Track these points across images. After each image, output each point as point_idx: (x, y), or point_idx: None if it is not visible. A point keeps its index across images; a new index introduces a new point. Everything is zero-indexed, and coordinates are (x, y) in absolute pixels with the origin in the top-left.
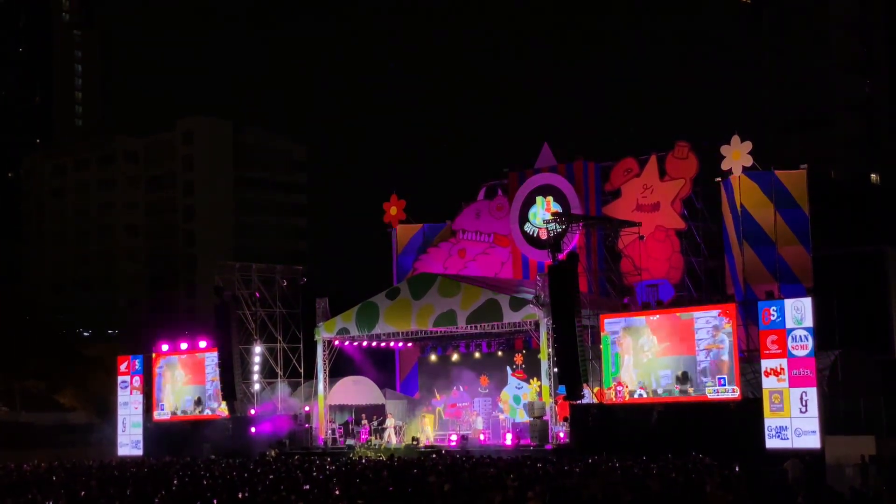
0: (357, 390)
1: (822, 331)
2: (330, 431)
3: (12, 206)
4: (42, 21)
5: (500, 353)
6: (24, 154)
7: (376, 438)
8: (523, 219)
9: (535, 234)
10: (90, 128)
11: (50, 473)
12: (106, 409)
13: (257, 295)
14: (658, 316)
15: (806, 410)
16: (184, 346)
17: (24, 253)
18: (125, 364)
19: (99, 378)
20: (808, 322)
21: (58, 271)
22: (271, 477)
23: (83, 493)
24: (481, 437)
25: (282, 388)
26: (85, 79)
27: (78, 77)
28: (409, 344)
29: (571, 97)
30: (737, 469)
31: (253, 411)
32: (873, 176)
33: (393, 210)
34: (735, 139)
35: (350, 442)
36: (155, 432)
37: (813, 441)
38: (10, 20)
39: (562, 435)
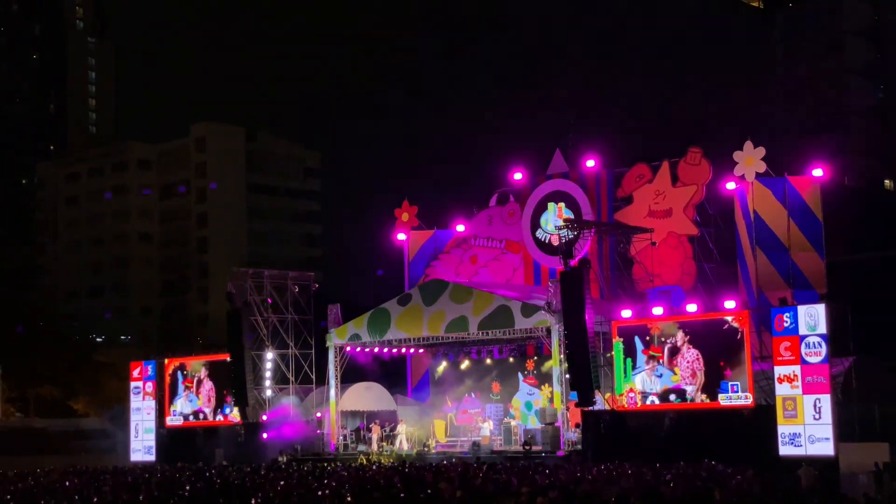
0: (369, 396)
1: (835, 337)
2: (342, 437)
3: (26, 213)
4: (56, 29)
5: (511, 360)
6: (37, 161)
7: (388, 444)
8: (535, 225)
9: (546, 241)
10: (104, 135)
11: (63, 479)
12: (119, 415)
13: (269, 301)
14: None
15: (819, 417)
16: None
17: (37, 260)
18: (138, 370)
19: (112, 384)
20: (822, 329)
21: (71, 278)
22: (282, 483)
23: (96, 499)
24: (493, 443)
25: (293, 394)
26: (98, 86)
27: (91, 84)
28: (421, 350)
29: (584, 103)
30: (749, 474)
31: (265, 417)
32: (887, 182)
33: (405, 216)
34: (748, 145)
35: (362, 448)
36: (167, 438)
37: (827, 448)
38: (24, 28)
39: (574, 441)
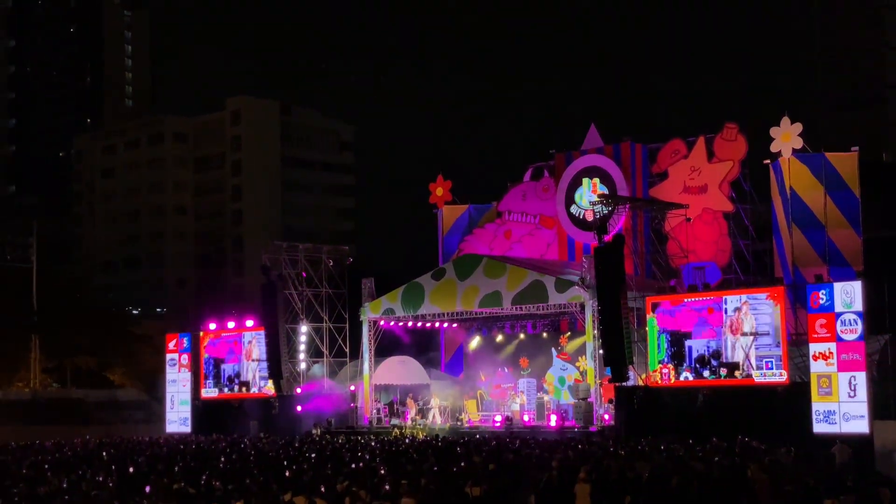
0: (402, 370)
1: (871, 315)
2: (375, 411)
3: (63, 185)
4: (92, 2)
5: (545, 335)
6: (74, 134)
7: (421, 418)
8: (569, 200)
9: (581, 216)
10: (140, 108)
11: (100, 450)
12: (155, 387)
13: (304, 274)
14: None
15: (855, 395)
16: (231, 324)
17: (74, 232)
18: (174, 342)
19: (148, 355)
20: (858, 306)
21: (108, 250)
22: (313, 456)
23: (132, 469)
24: (525, 418)
25: (327, 367)
26: (135, 59)
27: (128, 57)
28: (455, 325)
29: (619, 78)
30: (784, 451)
31: (299, 390)
32: None
33: (439, 191)
34: (785, 120)
35: (395, 421)
36: (203, 410)
37: (862, 426)
38: (61, 1)
39: (606, 417)
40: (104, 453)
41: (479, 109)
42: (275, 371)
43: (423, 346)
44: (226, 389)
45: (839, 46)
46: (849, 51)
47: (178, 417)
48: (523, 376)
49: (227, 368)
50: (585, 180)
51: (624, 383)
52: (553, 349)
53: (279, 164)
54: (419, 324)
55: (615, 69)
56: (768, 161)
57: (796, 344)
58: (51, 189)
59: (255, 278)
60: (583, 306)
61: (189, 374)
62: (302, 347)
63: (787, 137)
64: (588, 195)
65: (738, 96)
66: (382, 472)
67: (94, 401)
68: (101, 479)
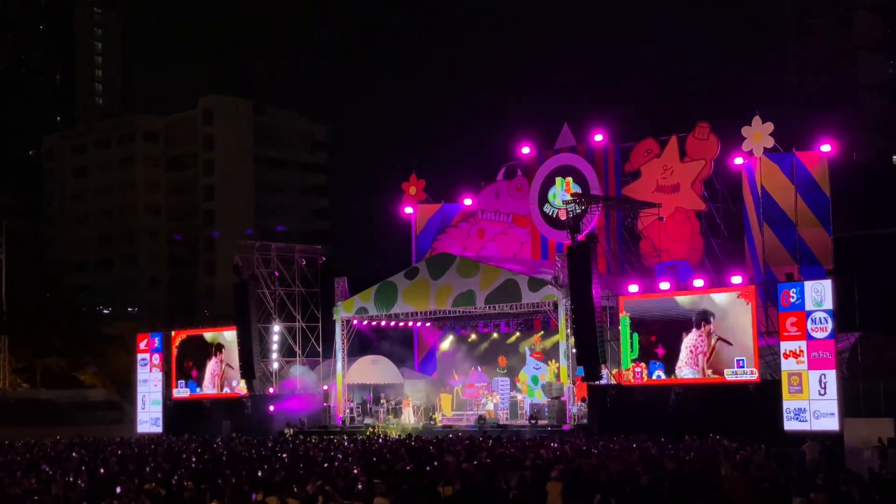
0: (375, 370)
1: (842, 313)
2: (348, 410)
3: (34, 184)
4: None
5: (518, 334)
6: (45, 133)
7: (394, 417)
8: (543, 199)
9: (554, 215)
10: (111, 107)
11: (70, 450)
12: (126, 387)
13: (276, 274)
14: None
15: (825, 393)
16: (203, 324)
17: (45, 231)
18: (145, 342)
19: (119, 356)
20: (828, 304)
21: (79, 250)
22: (283, 456)
23: (103, 470)
24: (499, 416)
25: (300, 367)
26: (106, 57)
27: (99, 55)
28: (428, 324)
29: (592, 77)
30: (755, 449)
31: (271, 390)
32: (895, 158)
33: (412, 190)
34: (756, 120)
35: (368, 421)
36: (174, 410)
37: (832, 423)
38: None
39: (579, 416)
40: (74, 454)
41: (452, 108)
42: (247, 371)
43: (396, 345)
44: (197, 389)
45: (811, 46)
46: (821, 51)
47: (149, 418)
48: (498, 375)
49: None
50: (559, 179)
51: (597, 382)
52: (526, 348)
53: (252, 163)
54: (392, 323)
55: (588, 68)
56: (740, 160)
57: (767, 342)
58: (21, 188)
59: (228, 278)
60: (556, 305)
61: (160, 374)
62: (275, 347)
63: (758, 137)
64: (561, 194)
65: (711, 95)
66: (355, 471)
67: (65, 401)
68: (71, 479)
